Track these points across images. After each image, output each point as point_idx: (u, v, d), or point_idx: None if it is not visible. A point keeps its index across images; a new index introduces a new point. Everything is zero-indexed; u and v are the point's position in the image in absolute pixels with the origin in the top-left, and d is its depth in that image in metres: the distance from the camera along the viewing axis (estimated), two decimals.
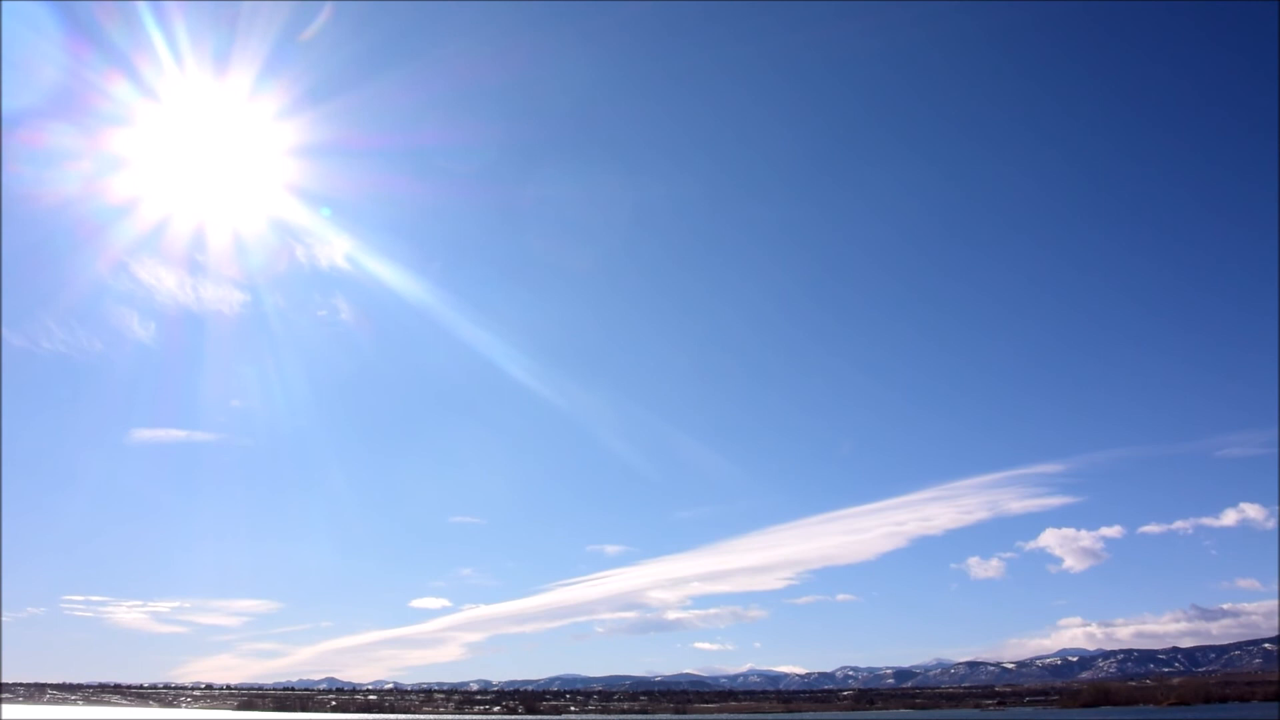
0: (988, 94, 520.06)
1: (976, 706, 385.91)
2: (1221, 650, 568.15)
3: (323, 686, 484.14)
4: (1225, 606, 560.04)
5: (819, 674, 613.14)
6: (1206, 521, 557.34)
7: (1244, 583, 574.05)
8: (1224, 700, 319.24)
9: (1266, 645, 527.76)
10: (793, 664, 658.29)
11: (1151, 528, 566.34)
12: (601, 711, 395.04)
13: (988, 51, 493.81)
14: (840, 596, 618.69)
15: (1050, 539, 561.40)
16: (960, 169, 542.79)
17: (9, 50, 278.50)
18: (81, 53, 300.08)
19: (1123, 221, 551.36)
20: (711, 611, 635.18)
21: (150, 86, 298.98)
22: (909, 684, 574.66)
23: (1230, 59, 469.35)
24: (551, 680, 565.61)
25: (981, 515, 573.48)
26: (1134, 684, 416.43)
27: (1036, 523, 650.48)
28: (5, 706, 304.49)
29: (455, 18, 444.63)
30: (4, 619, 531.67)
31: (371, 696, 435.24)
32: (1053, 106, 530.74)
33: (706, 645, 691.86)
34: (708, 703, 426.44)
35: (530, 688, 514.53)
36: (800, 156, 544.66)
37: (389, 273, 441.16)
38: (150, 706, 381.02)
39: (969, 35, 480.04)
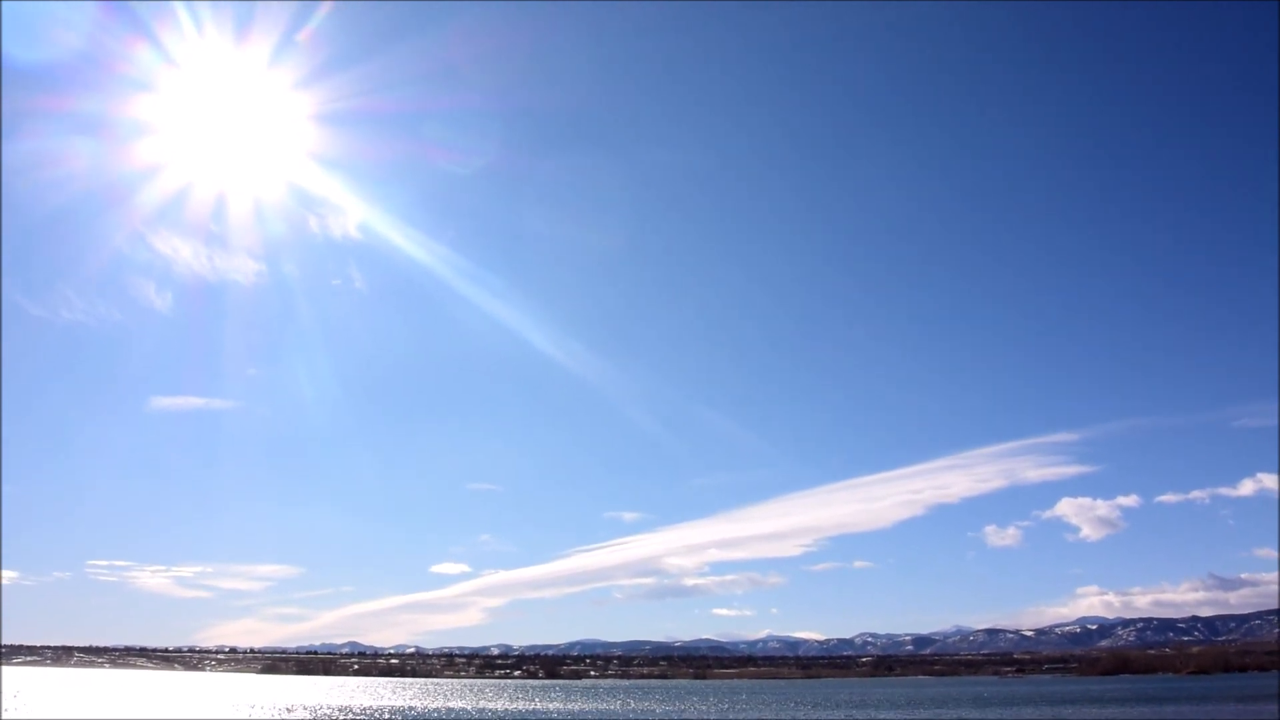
0: (1008, 64, 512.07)
1: (995, 674, 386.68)
2: (1241, 619, 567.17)
3: (345, 651, 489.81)
4: (1243, 576, 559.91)
5: (838, 640, 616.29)
6: (1224, 491, 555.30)
7: (1261, 552, 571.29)
8: (1243, 669, 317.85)
9: None
10: (811, 630, 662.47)
11: (1168, 497, 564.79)
12: (621, 676, 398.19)
13: (1009, 23, 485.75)
14: (857, 563, 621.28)
15: (1067, 508, 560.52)
16: (979, 140, 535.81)
17: (33, 15, 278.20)
18: (105, 18, 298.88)
19: (1140, 191, 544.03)
20: (729, 578, 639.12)
21: (171, 53, 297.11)
22: (928, 651, 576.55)
23: (1249, 32, 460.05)
24: (572, 645, 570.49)
25: (998, 484, 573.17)
26: (1153, 652, 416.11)
27: (1053, 492, 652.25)
28: (22, 669, 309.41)
29: None
30: (29, 584, 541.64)
31: (394, 660, 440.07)
32: (1071, 78, 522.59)
33: (725, 611, 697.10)
34: (727, 668, 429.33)
35: (551, 652, 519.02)
36: (819, 126, 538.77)
37: (404, 242, 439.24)
38: (175, 669, 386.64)
39: (990, 9, 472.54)
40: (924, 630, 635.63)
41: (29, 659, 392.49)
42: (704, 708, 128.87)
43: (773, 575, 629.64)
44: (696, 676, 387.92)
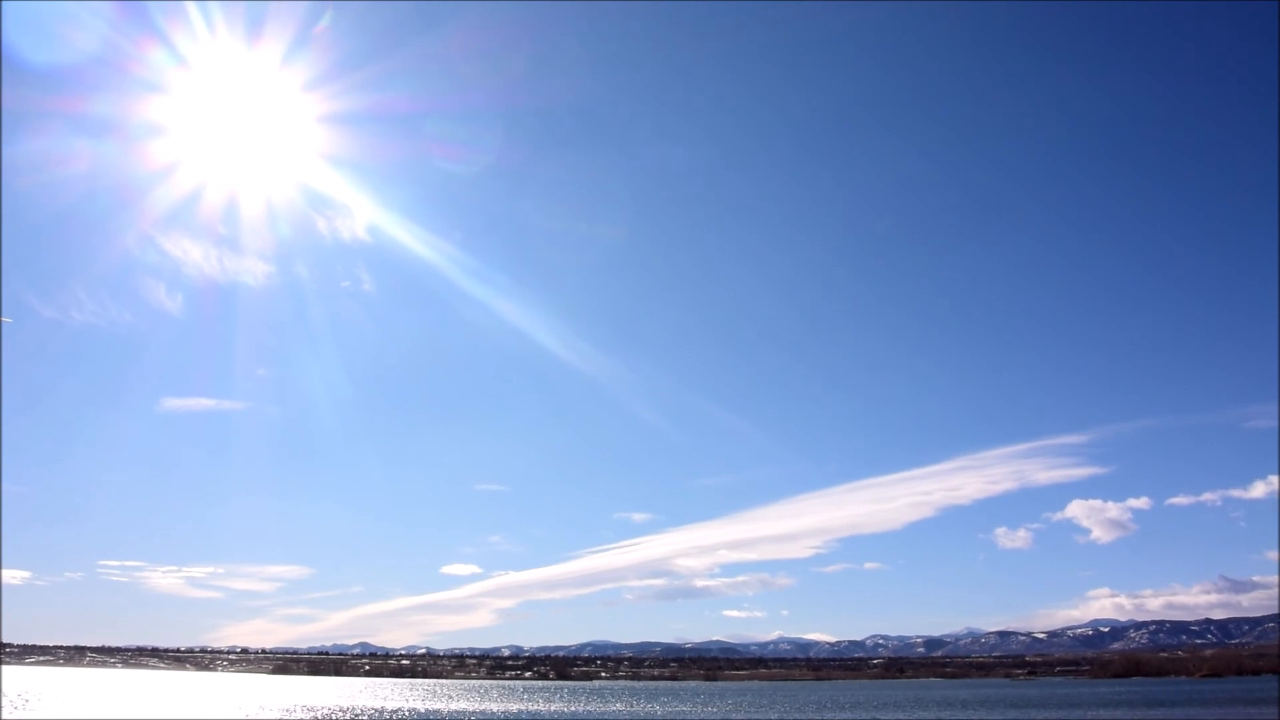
0: (1016, 62, 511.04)
1: (1007, 676, 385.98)
2: (1255, 622, 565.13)
3: (356, 651, 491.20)
4: (1255, 578, 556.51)
5: (849, 642, 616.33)
6: (1235, 493, 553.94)
7: (1273, 554, 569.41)
8: (1256, 673, 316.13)
9: None
10: (822, 632, 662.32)
11: (1179, 499, 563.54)
12: (632, 678, 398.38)
13: (1015, 22, 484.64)
14: (868, 565, 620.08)
15: (1077, 510, 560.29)
16: (985, 137, 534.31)
17: (45, 15, 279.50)
18: (117, 19, 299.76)
19: (1150, 190, 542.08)
20: (739, 579, 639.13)
21: (183, 54, 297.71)
22: (939, 653, 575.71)
23: (1249, 32, 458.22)
24: (583, 646, 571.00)
25: (1008, 485, 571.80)
26: (1166, 655, 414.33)
27: (1063, 493, 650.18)
28: (35, 669, 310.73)
29: None
30: (42, 584, 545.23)
31: (405, 661, 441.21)
32: (1078, 74, 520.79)
33: (735, 613, 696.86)
34: (738, 670, 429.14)
35: (561, 654, 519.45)
36: (826, 122, 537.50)
37: (412, 242, 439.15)
38: (188, 670, 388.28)
39: (993, 8, 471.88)
40: (935, 632, 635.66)
41: (42, 659, 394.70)
42: (713, 710, 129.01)
43: (783, 576, 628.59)
44: (707, 678, 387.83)
